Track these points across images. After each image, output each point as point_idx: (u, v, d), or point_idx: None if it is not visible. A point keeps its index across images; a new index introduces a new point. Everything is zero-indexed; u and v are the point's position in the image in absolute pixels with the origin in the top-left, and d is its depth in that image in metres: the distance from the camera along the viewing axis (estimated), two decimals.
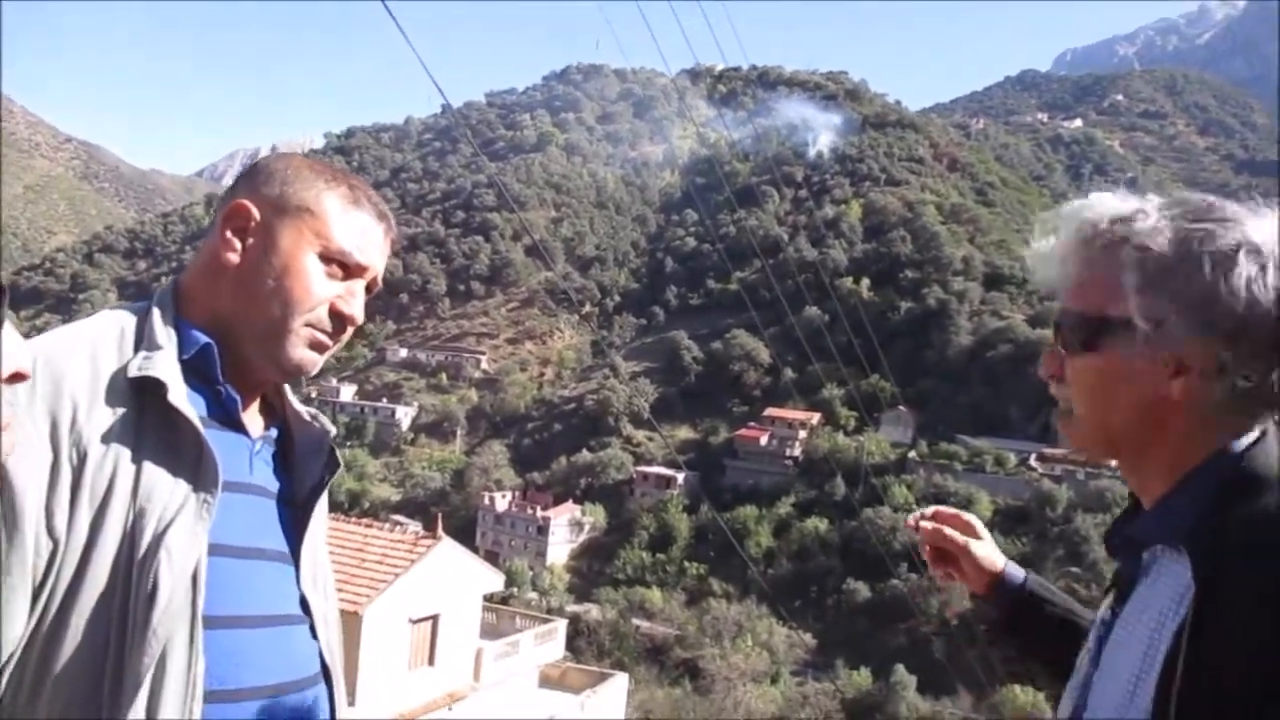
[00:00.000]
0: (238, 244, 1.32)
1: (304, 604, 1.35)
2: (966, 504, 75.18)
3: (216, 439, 1.24)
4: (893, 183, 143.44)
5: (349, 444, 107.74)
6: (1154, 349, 1.08)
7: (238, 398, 1.32)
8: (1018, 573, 1.68)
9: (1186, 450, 1.11)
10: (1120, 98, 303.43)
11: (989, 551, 1.68)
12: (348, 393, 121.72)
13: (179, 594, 1.15)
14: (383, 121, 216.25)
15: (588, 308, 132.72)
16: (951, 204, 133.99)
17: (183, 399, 1.22)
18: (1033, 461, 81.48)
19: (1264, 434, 1.12)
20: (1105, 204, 1.15)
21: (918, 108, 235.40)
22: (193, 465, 1.20)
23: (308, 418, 1.45)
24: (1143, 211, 1.11)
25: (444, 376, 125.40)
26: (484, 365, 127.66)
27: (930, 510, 1.72)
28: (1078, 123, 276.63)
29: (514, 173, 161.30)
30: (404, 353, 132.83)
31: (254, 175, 1.37)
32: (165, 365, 1.23)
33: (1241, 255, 1.05)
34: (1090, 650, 1.19)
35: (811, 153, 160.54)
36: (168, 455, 1.19)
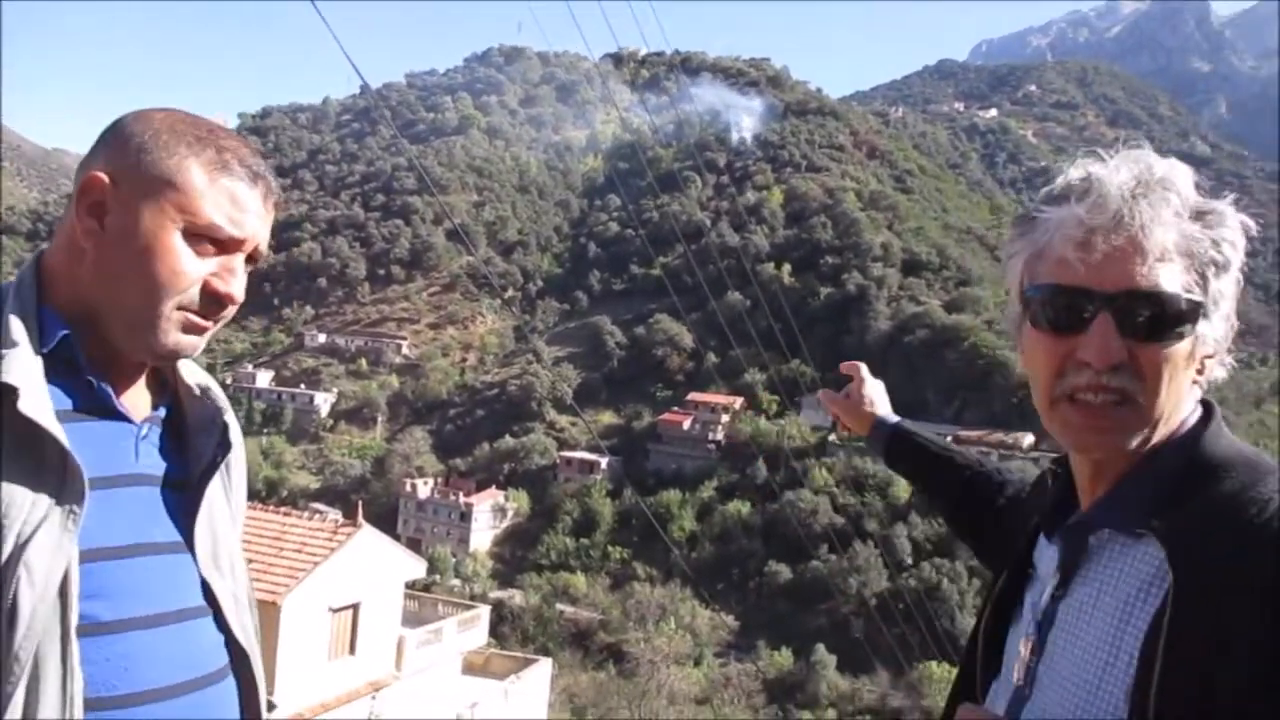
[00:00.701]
0: (94, 223, 1.19)
1: (208, 591, 1.27)
2: (885, 485, 76.81)
3: (92, 431, 1.16)
4: (814, 169, 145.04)
5: (266, 431, 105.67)
6: (1221, 331, 1.06)
7: (109, 389, 1.20)
8: (890, 416, 2.03)
9: (1167, 434, 1.10)
10: (1034, 88, 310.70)
11: (875, 394, 2.05)
12: (264, 379, 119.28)
13: (43, 610, 1.07)
14: (300, 102, 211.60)
15: (510, 293, 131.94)
16: (871, 191, 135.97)
17: (39, 406, 1.11)
18: (949, 444, 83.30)
19: (1209, 414, 1.11)
20: (1180, 173, 1.07)
21: (838, 95, 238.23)
22: (56, 473, 1.10)
23: (198, 392, 1.34)
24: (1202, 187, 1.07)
25: (364, 362, 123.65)
26: (405, 351, 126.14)
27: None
28: (993, 112, 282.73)
29: (435, 156, 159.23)
30: (323, 338, 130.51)
31: (110, 141, 1.22)
32: (18, 366, 1.12)
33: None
34: (1029, 635, 1.15)
35: (734, 139, 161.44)
36: (27, 465, 1.09)
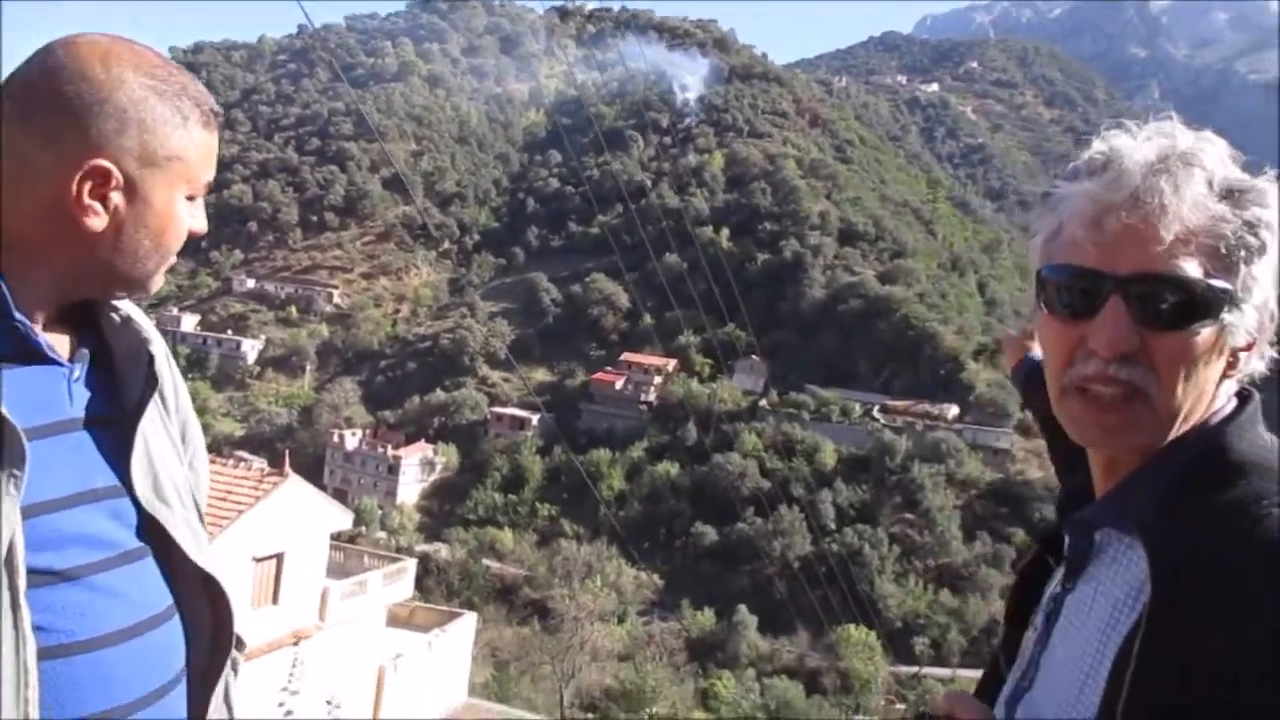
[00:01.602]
0: (100, 208, 1.15)
1: (155, 527, 1.21)
2: (812, 452, 77.98)
3: (23, 379, 1.13)
4: (755, 135, 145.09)
5: (190, 377, 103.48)
6: (1253, 322, 0.98)
7: (39, 335, 1.16)
8: (1036, 354, 1.83)
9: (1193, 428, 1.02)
10: (975, 65, 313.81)
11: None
12: (189, 323, 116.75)
13: None
14: (234, 39, 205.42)
15: (446, 245, 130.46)
16: (811, 159, 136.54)
17: None
18: (875, 413, 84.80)
19: (1243, 405, 1.04)
20: (1200, 142, 0.99)
21: (783, 62, 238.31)
22: None
23: (119, 322, 1.28)
24: (1234, 161, 0.99)
25: (294, 310, 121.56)
26: (336, 299, 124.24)
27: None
28: (934, 87, 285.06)
29: (373, 101, 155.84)
30: (251, 283, 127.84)
31: (94, 113, 1.13)
32: None
33: None
34: (1037, 627, 1.12)
35: (678, 100, 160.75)
36: None
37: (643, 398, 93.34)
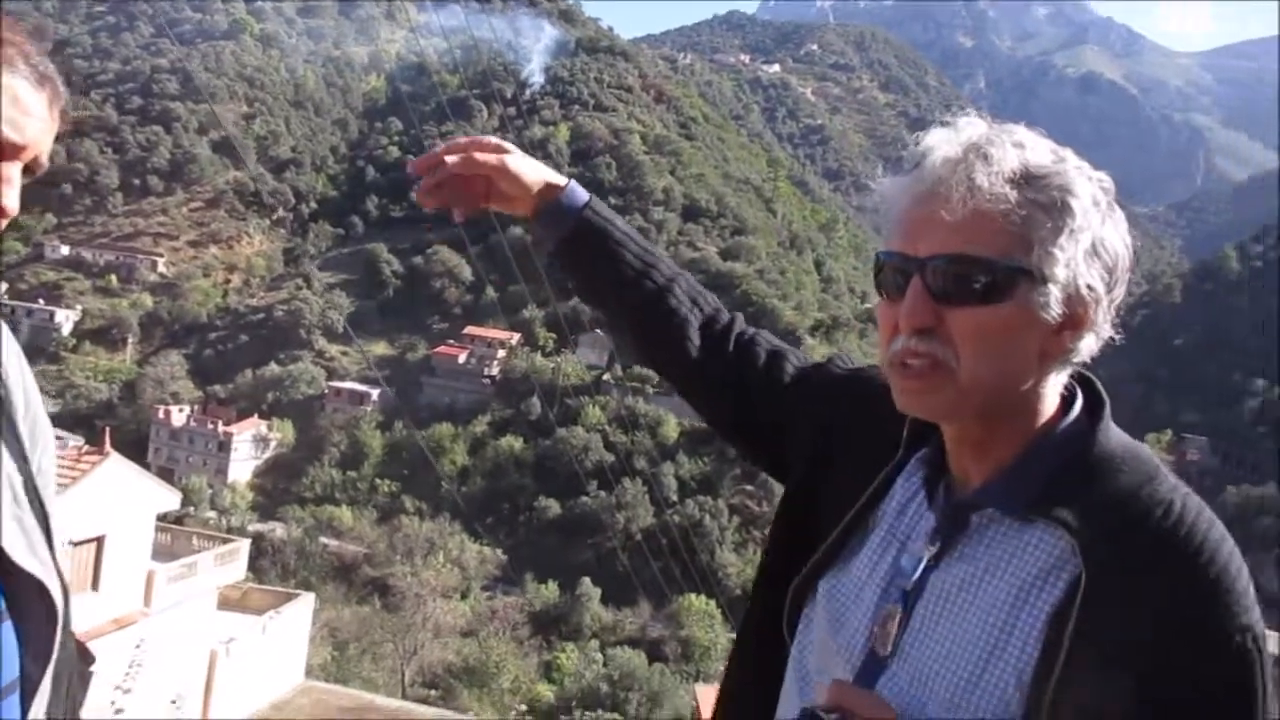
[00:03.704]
0: None
1: None
2: (656, 424, 79.09)
3: None
4: (601, 109, 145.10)
5: None
6: (1060, 300, 1.02)
7: None
8: (579, 194, 1.52)
9: (1038, 410, 1.09)
10: (815, 48, 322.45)
11: (530, 166, 1.50)
12: None
13: None
14: None
15: (281, 213, 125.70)
16: (656, 135, 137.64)
17: None
18: None
19: (1099, 402, 1.11)
20: (1001, 135, 1.06)
21: (630, 36, 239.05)
22: None
23: None
24: (1056, 155, 1.05)
25: (114, 278, 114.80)
26: (161, 268, 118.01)
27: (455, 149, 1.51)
28: (776, 68, 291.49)
29: (201, 60, 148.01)
30: (66, 250, 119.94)
31: None
32: None
33: (1116, 207, 1.06)
34: (895, 602, 1.12)
35: (524, 71, 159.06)
36: None
37: (486, 372, 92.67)
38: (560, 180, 1.50)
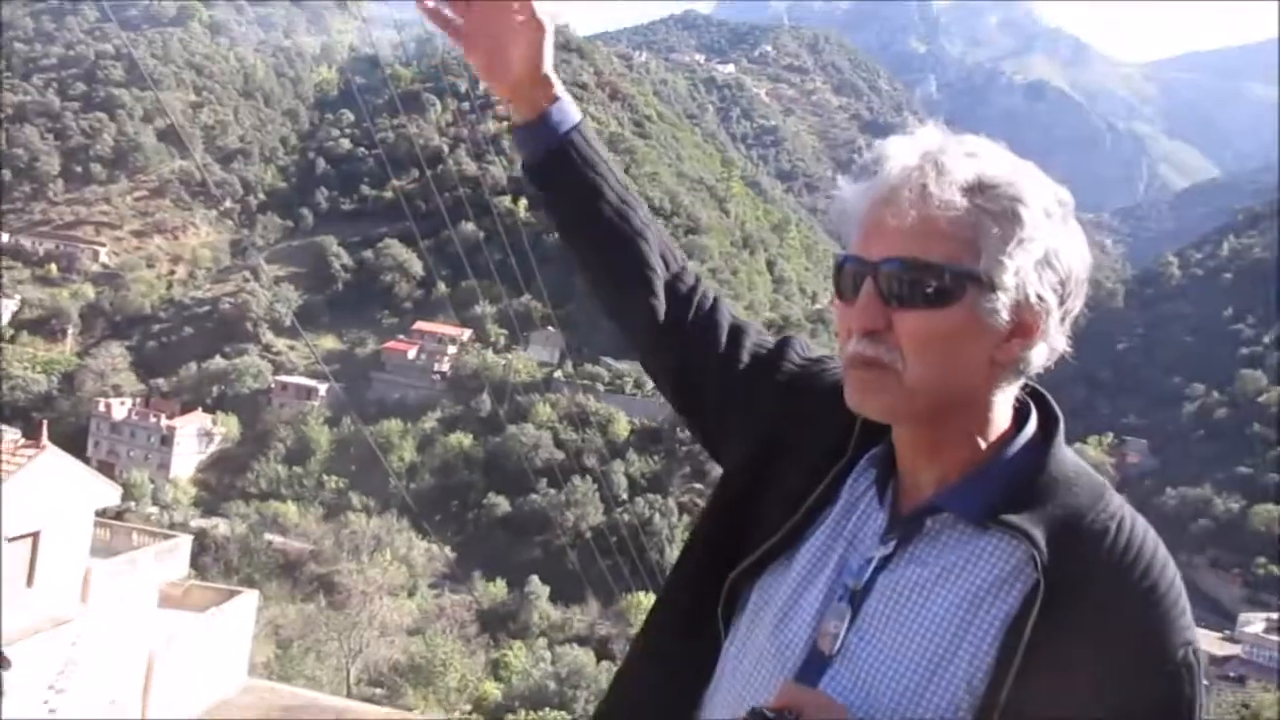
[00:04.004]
0: None
1: None
2: (606, 422, 79.05)
3: None
4: None
5: None
6: (1008, 307, 1.03)
7: None
8: (571, 113, 1.38)
9: (990, 419, 1.10)
10: (769, 49, 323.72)
11: (547, 53, 1.36)
12: None
13: None
14: None
15: (228, 204, 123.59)
16: (610, 133, 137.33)
17: None
18: None
19: (1053, 419, 1.12)
20: (957, 145, 1.07)
21: (585, 34, 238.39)
22: None
23: None
24: (1013, 166, 1.06)
25: (54, 268, 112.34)
26: (103, 258, 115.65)
27: None
28: (730, 68, 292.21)
29: (148, 46, 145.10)
30: (4, 237, 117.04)
31: None
32: None
33: (1072, 217, 1.07)
34: (842, 600, 1.11)
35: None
36: None
37: (436, 368, 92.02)
38: (558, 87, 1.37)
